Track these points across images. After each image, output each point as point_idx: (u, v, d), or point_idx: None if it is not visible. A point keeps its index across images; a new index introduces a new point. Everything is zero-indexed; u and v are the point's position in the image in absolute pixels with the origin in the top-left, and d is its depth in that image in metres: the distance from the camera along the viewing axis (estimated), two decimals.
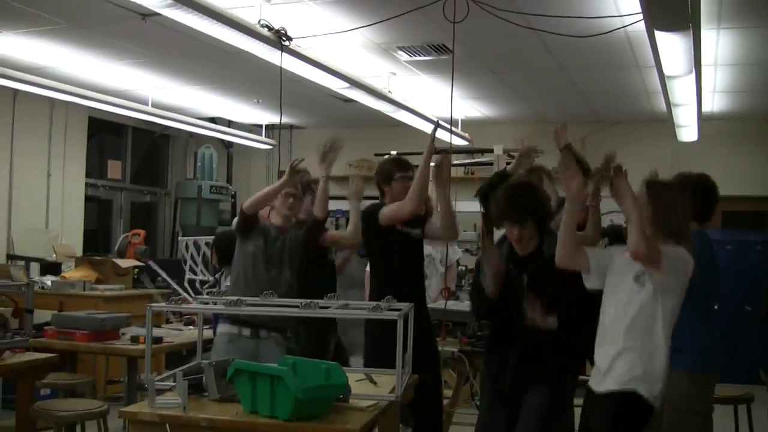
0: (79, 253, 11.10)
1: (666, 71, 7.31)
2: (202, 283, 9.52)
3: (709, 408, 5.53)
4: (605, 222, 5.37)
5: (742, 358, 10.01)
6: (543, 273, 4.68)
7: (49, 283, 9.32)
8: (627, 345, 4.18)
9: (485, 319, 5.30)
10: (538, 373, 4.70)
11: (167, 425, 3.48)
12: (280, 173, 6.58)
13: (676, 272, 4.16)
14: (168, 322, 8.11)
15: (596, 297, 4.52)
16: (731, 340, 9.98)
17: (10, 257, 10.49)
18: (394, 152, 9.93)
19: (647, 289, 4.17)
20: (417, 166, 6.00)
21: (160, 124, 12.02)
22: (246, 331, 5.68)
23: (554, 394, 4.72)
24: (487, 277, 4.82)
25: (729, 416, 6.61)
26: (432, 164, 5.91)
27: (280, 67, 7.35)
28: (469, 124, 12.29)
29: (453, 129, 10.57)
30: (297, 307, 4.55)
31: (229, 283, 6.56)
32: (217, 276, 8.94)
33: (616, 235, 5.41)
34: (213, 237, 9.38)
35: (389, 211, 5.80)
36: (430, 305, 6.83)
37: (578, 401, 5.31)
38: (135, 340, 6.61)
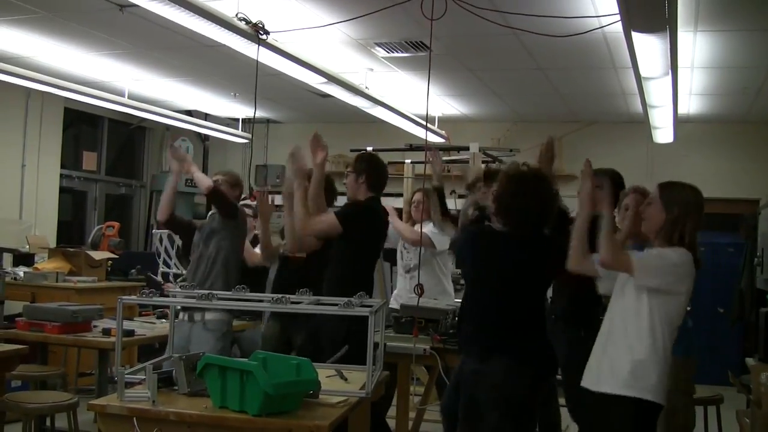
0: (53, 244, 11.03)
1: (642, 73, 7.34)
2: (176, 276, 9.50)
3: (691, 388, 5.63)
4: None
5: (713, 359, 10.06)
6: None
7: (21, 274, 9.26)
8: (629, 348, 4.24)
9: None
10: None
11: (134, 419, 3.47)
12: (256, 167, 6.67)
13: (660, 273, 4.20)
14: (141, 314, 8.08)
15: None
16: (703, 341, 10.02)
17: None
18: (369, 148, 9.96)
19: (641, 292, 4.24)
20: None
21: (136, 116, 11.99)
22: (182, 315, 6.02)
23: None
24: None
25: (699, 417, 6.64)
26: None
27: (257, 60, 7.33)
28: (445, 122, 12.31)
29: (429, 126, 10.58)
30: (268, 301, 4.55)
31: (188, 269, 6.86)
32: None
33: None
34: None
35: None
36: (402, 302, 6.87)
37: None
38: (106, 332, 6.58)
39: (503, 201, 4.75)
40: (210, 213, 6.54)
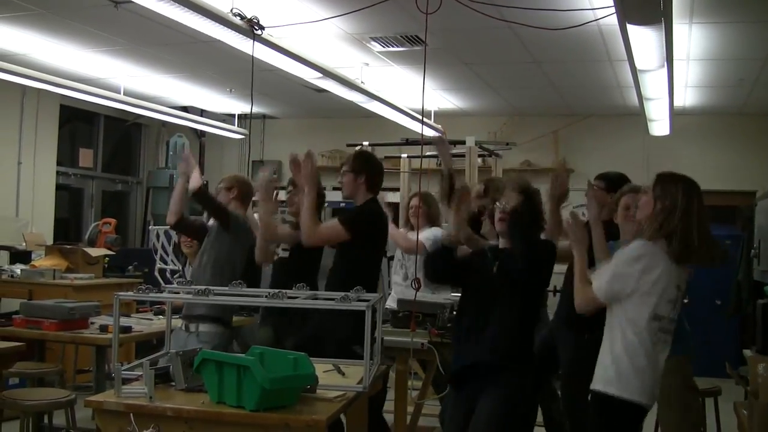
0: (50, 241, 11.03)
1: (638, 65, 7.34)
2: (173, 272, 9.49)
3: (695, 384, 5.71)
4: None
5: (710, 351, 10.07)
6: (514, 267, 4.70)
7: (18, 271, 9.26)
8: (605, 348, 4.28)
9: (436, 280, 5.26)
10: (496, 374, 4.70)
11: (131, 415, 3.47)
12: (252, 163, 6.57)
13: (614, 283, 4.21)
14: (138, 311, 8.08)
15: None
16: (701, 333, 10.02)
17: None
18: (366, 143, 9.95)
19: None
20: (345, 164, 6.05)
21: (132, 113, 11.98)
22: (182, 324, 5.98)
23: (510, 398, 4.70)
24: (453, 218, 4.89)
25: None
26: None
27: (252, 56, 7.32)
28: (441, 116, 12.30)
29: (425, 120, 10.58)
30: (264, 296, 4.55)
31: (191, 271, 6.76)
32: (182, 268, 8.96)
33: None
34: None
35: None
36: (400, 296, 6.85)
37: None
38: (104, 329, 6.57)
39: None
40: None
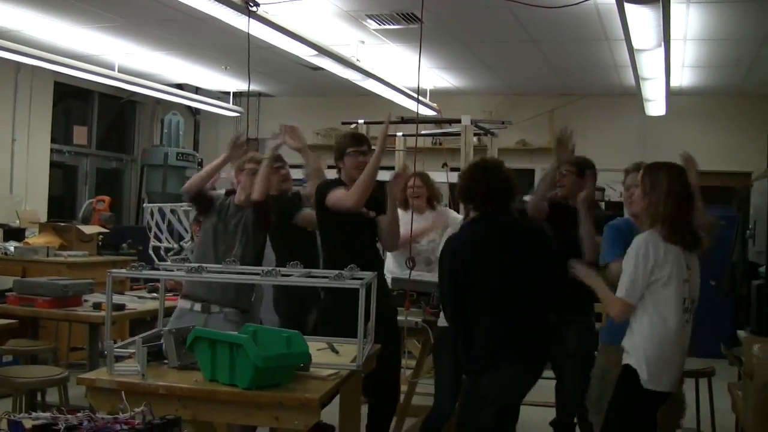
0: (44, 219, 10.99)
1: (635, 45, 7.31)
2: (167, 250, 9.48)
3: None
4: None
5: (704, 332, 10.05)
6: None
7: (12, 248, 9.24)
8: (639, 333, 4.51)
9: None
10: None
11: (122, 393, 3.45)
12: (248, 141, 6.44)
13: (634, 278, 4.43)
14: (132, 289, 8.06)
15: None
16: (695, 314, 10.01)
17: None
18: (361, 121, 9.91)
19: None
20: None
21: (126, 90, 11.95)
22: (197, 306, 5.69)
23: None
24: None
25: (690, 389, 6.64)
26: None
27: (248, 33, 7.28)
28: (437, 95, 12.27)
29: (421, 99, 10.53)
30: (258, 274, 4.53)
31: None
32: (181, 243, 8.92)
33: None
34: (178, 204, 9.34)
35: (333, 198, 5.55)
36: (395, 275, 6.80)
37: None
38: (97, 306, 6.56)
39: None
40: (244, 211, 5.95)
